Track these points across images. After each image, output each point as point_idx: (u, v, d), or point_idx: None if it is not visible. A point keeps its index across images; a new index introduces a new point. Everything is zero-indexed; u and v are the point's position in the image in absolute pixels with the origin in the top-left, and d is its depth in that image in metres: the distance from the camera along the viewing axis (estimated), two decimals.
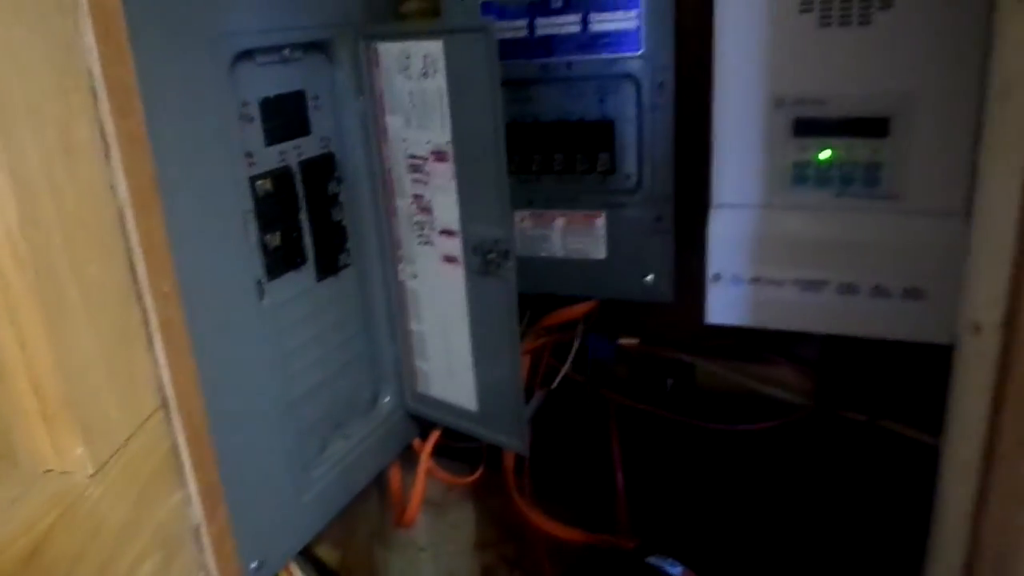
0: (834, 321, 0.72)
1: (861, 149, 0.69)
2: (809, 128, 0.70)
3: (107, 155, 0.40)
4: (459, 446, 0.94)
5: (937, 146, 0.66)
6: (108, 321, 0.40)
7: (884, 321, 0.71)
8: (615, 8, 0.75)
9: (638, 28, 0.75)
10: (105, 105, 0.39)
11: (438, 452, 0.91)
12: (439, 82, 0.71)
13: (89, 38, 0.39)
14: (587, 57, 0.77)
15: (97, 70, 0.39)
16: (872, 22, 0.65)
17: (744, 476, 0.87)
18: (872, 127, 0.68)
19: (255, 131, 0.69)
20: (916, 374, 0.79)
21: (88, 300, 0.39)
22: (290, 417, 0.73)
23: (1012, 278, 0.32)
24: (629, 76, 0.76)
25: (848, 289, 0.71)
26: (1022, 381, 0.31)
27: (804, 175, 0.71)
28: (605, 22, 0.76)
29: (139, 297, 0.42)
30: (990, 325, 0.36)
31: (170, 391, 0.44)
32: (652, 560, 0.86)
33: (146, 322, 0.42)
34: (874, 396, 0.81)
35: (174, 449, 0.45)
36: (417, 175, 0.77)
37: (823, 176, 0.70)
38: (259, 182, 0.69)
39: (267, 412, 0.70)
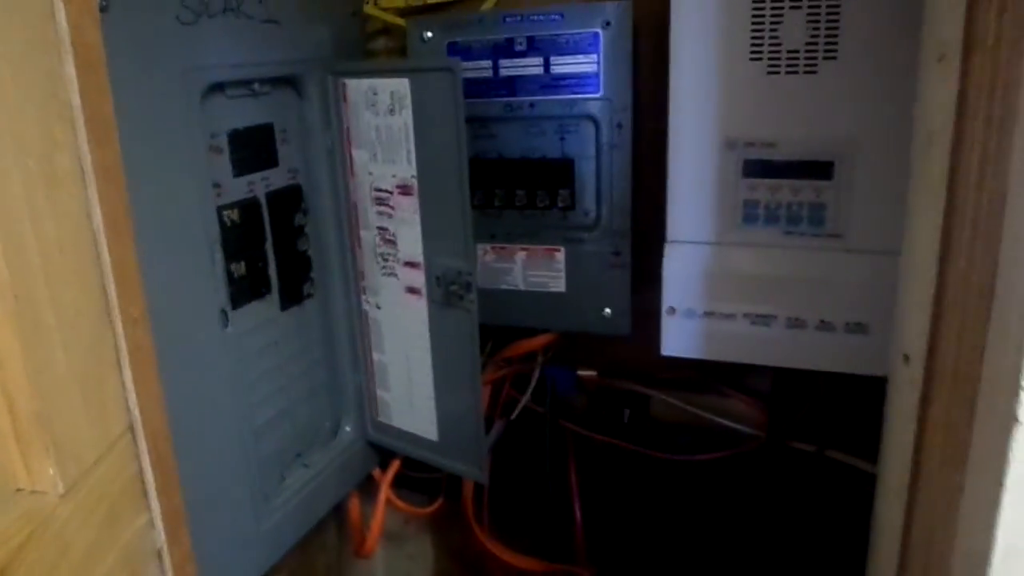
0: (783, 354, 0.75)
1: (807, 190, 0.72)
2: (758, 170, 0.73)
3: (84, 184, 0.41)
4: (418, 476, 0.95)
5: (877, 189, 0.70)
6: (81, 344, 0.41)
7: (830, 354, 0.74)
8: (576, 52, 0.78)
9: (598, 72, 0.78)
10: (84, 135, 0.41)
11: (397, 483, 0.92)
12: (405, 118, 0.74)
13: (70, 70, 0.40)
14: (549, 97, 0.80)
15: (77, 101, 0.41)
16: (818, 71, 0.69)
17: (698, 505, 0.89)
18: (817, 170, 0.71)
19: (223, 162, 0.70)
20: (861, 405, 0.82)
21: (63, 323, 0.39)
22: (252, 445, 0.74)
23: (933, 314, 0.35)
24: (589, 117, 0.80)
25: (796, 323, 0.74)
26: (941, 407, 0.34)
27: (754, 214, 0.74)
28: (566, 65, 0.79)
29: (111, 322, 0.43)
30: (917, 356, 0.39)
31: (137, 414, 0.44)
32: None
33: (116, 346, 0.43)
34: (822, 427, 0.84)
35: (140, 472, 0.45)
36: (382, 208, 0.79)
37: (771, 215, 0.74)
38: (226, 212, 0.70)
39: (229, 440, 0.70)
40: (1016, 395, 0.28)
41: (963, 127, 0.33)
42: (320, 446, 0.85)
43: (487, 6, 0.86)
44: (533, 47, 0.80)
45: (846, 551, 0.83)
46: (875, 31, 0.66)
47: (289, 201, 0.78)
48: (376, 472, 0.92)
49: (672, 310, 0.78)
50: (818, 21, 0.68)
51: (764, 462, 0.87)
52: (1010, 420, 0.28)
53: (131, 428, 0.44)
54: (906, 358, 0.40)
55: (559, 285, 0.85)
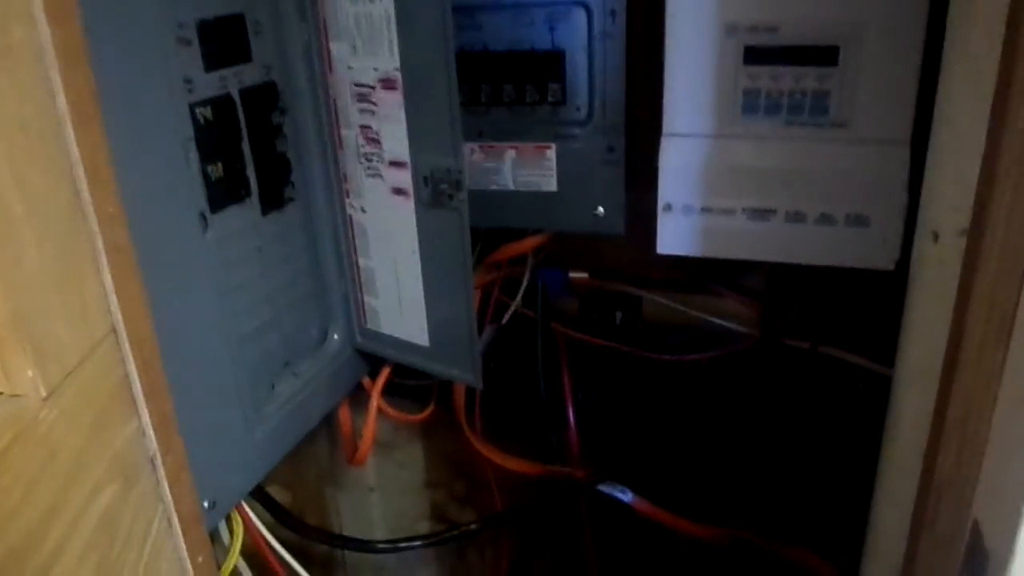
0: (782, 249, 0.74)
1: (810, 78, 0.69)
2: (759, 56, 0.70)
3: (44, 61, 0.37)
4: (409, 384, 0.94)
5: (884, 76, 0.67)
6: (55, 239, 0.38)
7: (829, 248, 0.72)
8: None
9: None
10: (39, 5, 0.37)
11: (387, 391, 0.90)
12: (386, 6, 0.69)
13: None
14: None
15: None
16: None
17: (692, 405, 0.89)
18: (821, 55, 0.68)
19: (193, 55, 0.66)
20: (854, 301, 0.82)
21: (33, 214, 0.36)
22: (239, 354, 0.71)
23: (979, 189, 0.33)
24: (580, 3, 0.75)
25: (795, 217, 0.73)
26: (986, 282, 0.32)
27: (755, 104, 0.71)
28: None
29: (85, 217, 0.40)
30: (949, 232, 0.37)
31: (119, 317, 0.42)
32: (603, 488, 0.88)
33: (93, 244, 0.40)
34: (816, 324, 0.83)
35: (126, 377, 0.43)
36: (364, 104, 0.74)
37: (773, 104, 0.71)
38: (199, 109, 0.66)
39: (215, 348, 0.68)
40: None
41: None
42: (308, 355, 0.83)
43: None
44: None
45: (841, 446, 0.84)
46: None
47: (265, 99, 0.73)
48: (366, 381, 0.90)
49: (669, 206, 0.76)
50: None
51: (758, 360, 0.86)
52: None
53: (114, 331, 0.42)
54: (935, 236, 0.39)
55: (550, 184, 0.82)
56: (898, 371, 0.44)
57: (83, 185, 0.40)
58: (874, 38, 0.66)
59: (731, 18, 0.69)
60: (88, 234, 0.40)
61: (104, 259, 0.40)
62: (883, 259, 0.71)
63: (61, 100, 0.39)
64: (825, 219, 0.72)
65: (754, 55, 0.70)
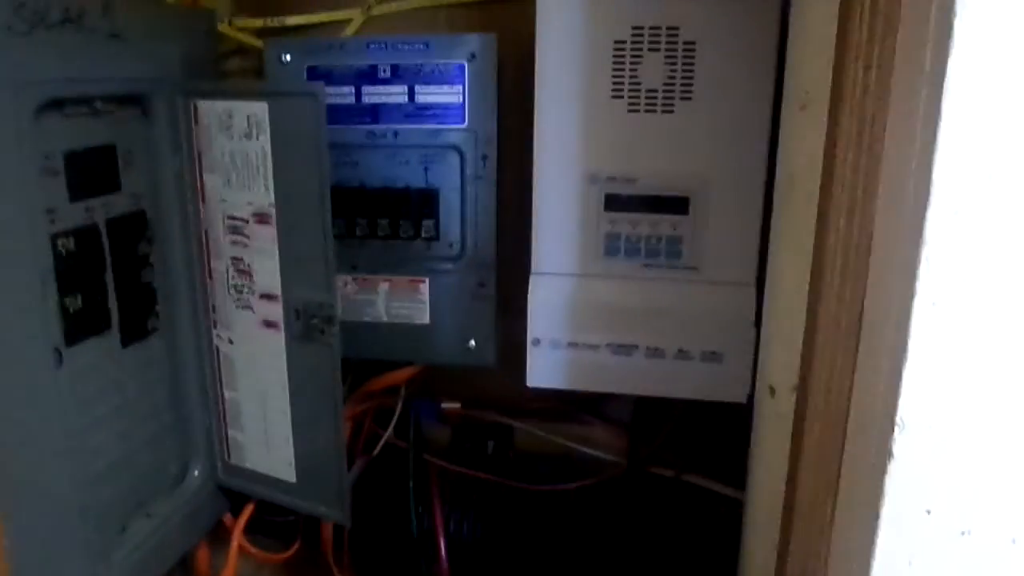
0: (644, 383, 0.77)
1: (665, 224, 0.75)
2: (619, 204, 0.75)
3: None
4: (273, 520, 0.90)
5: (730, 224, 0.73)
6: None
7: (688, 382, 0.76)
8: (441, 82, 0.78)
9: (463, 103, 0.78)
10: None
11: (250, 528, 0.86)
12: (263, 144, 0.70)
13: None
14: (413, 126, 0.79)
15: None
16: (675, 110, 0.71)
17: (563, 534, 0.89)
18: (674, 205, 0.74)
19: (59, 186, 0.64)
20: (716, 431, 0.86)
21: None
22: (88, 497, 0.67)
23: (804, 350, 0.37)
24: (454, 147, 0.79)
25: (655, 353, 0.77)
26: (813, 440, 0.35)
27: (615, 247, 0.76)
28: (431, 95, 0.78)
29: None
30: (784, 388, 0.41)
31: None
32: None
33: None
34: (680, 452, 0.87)
35: None
36: (237, 237, 0.74)
37: (632, 248, 0.76)
38: (61, 240, 0.64)
39: (62, 493, 0.64)
40: (891, 431, 0.29)
41: (831, 172, 0.35)
42: (165, 493, 0.79)
43: (349, 32, 0.84)
44: (397, 75, 0.78)
45: (703, 570, 0.86)
46: (727, 75, 0.70)
47: (132, 228, 0.72)
48: (227, 518, 0.86)
49: (537, 341, 0.78)
50: (675, 64, 0.71)
51: (625, 488, 0.88)
52: (884, 456, 0.30)
53: None
54: (772, 390, 0.42)
55: (423, 317, 0.84)
56: (747, 512, 0.47)
57: None
58: (720, 191, 0.73)
59: (593, 169, 0.74)
60: None
61: None
62: (736, 393, 0.76)
63: None
64: (682, 355, 0.76)
65: (614, 203, 0.75)
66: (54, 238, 0.64)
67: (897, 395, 0.29)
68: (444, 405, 0.91)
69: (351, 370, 0.88)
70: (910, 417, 0.29)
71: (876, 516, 0.30)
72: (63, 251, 0.64)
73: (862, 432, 0.33)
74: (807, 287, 0.38)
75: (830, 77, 0.36)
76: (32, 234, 0.61)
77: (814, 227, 0.38)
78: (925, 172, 0.27)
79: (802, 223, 0.39)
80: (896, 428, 0.29)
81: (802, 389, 0.37)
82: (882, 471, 0.30)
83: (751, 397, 0.75)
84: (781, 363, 0.41)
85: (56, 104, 0.63)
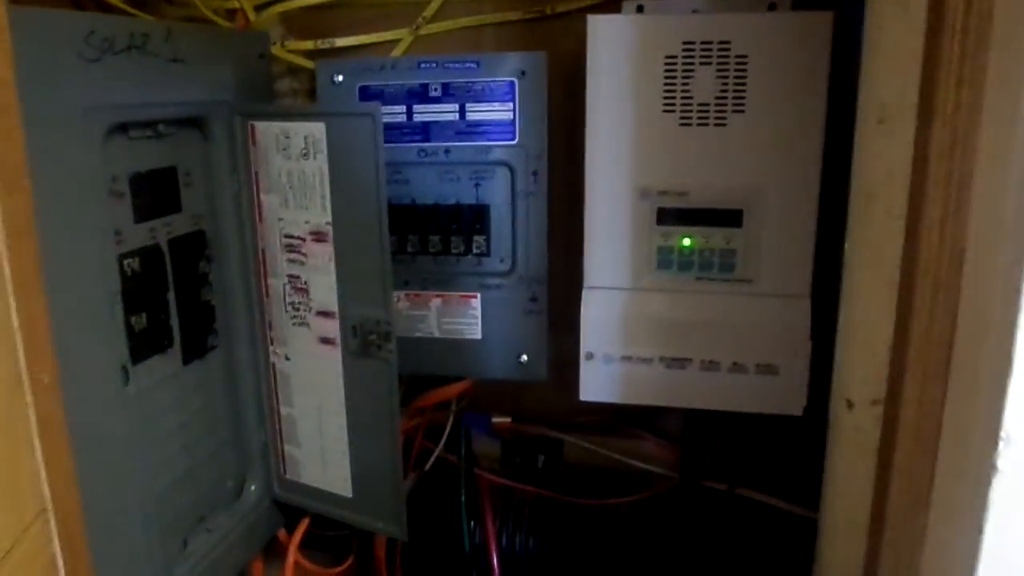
0: (698, 396, 0.77)
1: (718, 237, 0.75)
2: (671, 217, 0.75)
3: None
4: (327, 535, 0.91)
5: (783, 236, 0.73)
6: None
7: (742, 395, 0.76)
8: (491, 100, 0.78)
9: (513, 120, 0.78)
10: None
11: (304, 542, 0.87)
12: (320, 163, 0.71)
13: None
14: (464, 144, 0.80)
15: None
16: (727, 123, 0.72)
17: (616, 549, 0.89)
18: (727, 218, 0.74)
19: (124, 208, 0.66)
20: (768, 443, 0.85)
21: None
22: (153, 512, 0.68)
23: (892, 365, 0.37)
24: (504, 164, 0.80)
25: (710, 366, 0.76)
26: (904, 453, 0.35)
27: (668, 260, 0.76)
28: (482, 112, 0.79)
29: (22, 389, 0.38)
30: (863, 402, 0.41)
31: (49, 496, 0.40)
32: None
33: (27, 419, 0.39)
34: (733, 466, 0.86)
35: (53, 559, 0.41)
36: (293, 255, 0.75)
37: (685, 261, 0.76)
38: (127, 261, 0.66)
39: (129, 508, 0.65)
40: (995, 445, 0.29)
41: (921, 187, 0.35)
42: (224, 508, 0.80)
43: (397, 51, 0.85)
44: (448, 93, 0.79)
45: None
46: (780, 88, 0.70)
47: (193, 248, 0.74)
48: (282, 533, 0.87)
49: (590, 355, 0.78)
50: (727, 77, 0.71)
51: (678, 502, 0.88)
52: (989, 470, 0.30)
53: (44, 510, 0.40)
54: (849, 404, 0.42)
55: (475, 332, 0.84)
56: (823, 525, 0.47)
57: (21, 355, 0.39)
58: (774, 203, 0.73)
59: (644, 183, 0.75)
60: (24, 408, 0.38)
61: (36, 433, 0.39)
62: (792, 405, 0.75)
63: (6, 269, 0.38)
64: (737, 368, 0.76)
65: (666, 216, 0.75)
66: (121, 259, 0.65)
67: (1002, 409, 0.29)
68: (494, 419, 0.92)
69: (403, 385, 0.88)
70: (1016, 431, 0.29)
71: (979, 531, 0.30)
72: (129, 271, 0.66)
73: (959, 446, 0.33)
74: (887, 300, 0.38)
75: (912, 91, 0.36)
76: (101, 255, 0.62)
77: (894, 240, 0.38)
78: None
79: (881, 236, 0.39)
80: (1001, 442, 0.29)
81: (890, 403, 0.37)
82: (986, 485, 0.30)
83: (807, 409, 0.75)
84: (859, 377, 0.41)
85: (122, 128, 0.64)
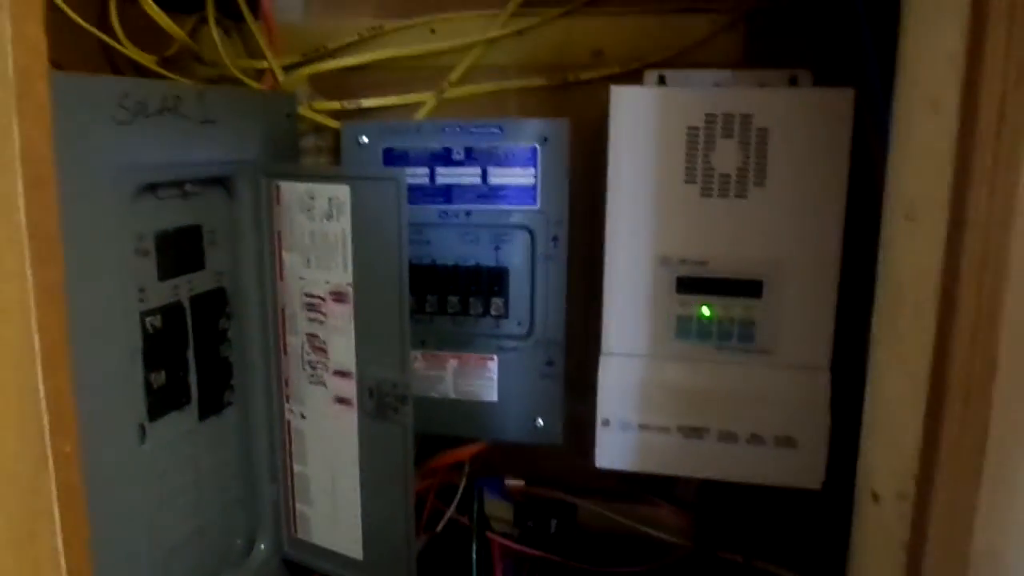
0: (715, 467, 0.76)
1: (737, 307, 0.75)
2: (691, 286, 0.75)
3: (25, 310, 0.37)
4: None
5: (804, 308, 0.73)
6: (18, 496, 0.36)
7: (760, 467, 0.75)
8: (513, 164, 0.79)
9: (535, 185, 0.79)
10: (28, 256, 0.37)
11: None
12: (343, 225, 0.72)
13: (19, 187, 0.37)
14: (485, 207, 0.81)
15: (23, 219, 0.38)
16: (748, 196, 0.72)
17: None
18: (747, 288, 0.74)
19: (149, 266, 0.67)
20: (786, 515, 0.84)
21: (2, 475, 0.35)
22: (162, 570, 0.67)
23: (921, 466, 0.37)
24: (525, 227, 0.80)
25: (727, 436, 0.76)
26: (934, 556, 0.35)
27: (687, 328, 0.76)
28: (504, 176, 0.80)
29: (46, 463, 0.38)
30: (889, 495, 0.40)
31: (65, 566, 0.39)
32: None
33: (48, 492, 0.39)
34: (748, 537, 0.85)
35: None
36: (313, 314, 0.76)
37: (704, 330, 0.76)
38: (149, 319, 0.66)
39: (139, 566, 0.64)
40: None
41: (953, 293, 0.35)
42: (233, 566, 0.79)
43: (421, 114, 0.87)
44: (471, 157, 0.80)
45: None
46: (800, 161, 0.71)
47: (214, 305, 0.74)
48: None
49: (607, 422, 0.78)
50: (748, 150, 0.72)
51: (692, 572, 0.86)
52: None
53: None
54: (875, 496, 0.41)
55: (491, 394, 0.84)
56: None
57: (46, 428, 0.39)
58: (794, 274, 0.73)
59: (664, 252, 0.75)
60: (47, 481, 0.38)
61: (56, 508, 0.39)
62: (810, 479, 0.74)
63: (36, 344, 0.38)
64: (755, 439, 0.75)
65: (685, 285, 0.75)
66: (143, 316, 0.66)
67: None
68: (508, 482, 0.91)
69: (416, 444, 0.88)
70: None
71: None
72: (151, 329, 0.66)
73: (991, 554, 0.32)
74: (915, 399, 0.38)
75: (941, 192, 0.36)
76: (125, 313, 0.63)
77: (921, 336, 0.38)
78: None
79: (909, 332, 0.39)
80: None
81: (919, 501, 0.36)
82: None
83: (825, 483, 0.74)
84: (886, 470, 0.41)
85: (150, 187, 0.65)
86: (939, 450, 0.35)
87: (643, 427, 0.77)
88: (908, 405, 0.39)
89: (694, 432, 0.76)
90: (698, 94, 0.73)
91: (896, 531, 0.39)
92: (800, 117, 0.70)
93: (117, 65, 0.83)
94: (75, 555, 0.41)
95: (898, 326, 0.39)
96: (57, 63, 0.45)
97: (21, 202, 0.37)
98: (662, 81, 0.78)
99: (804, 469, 0.74)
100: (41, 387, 0.38)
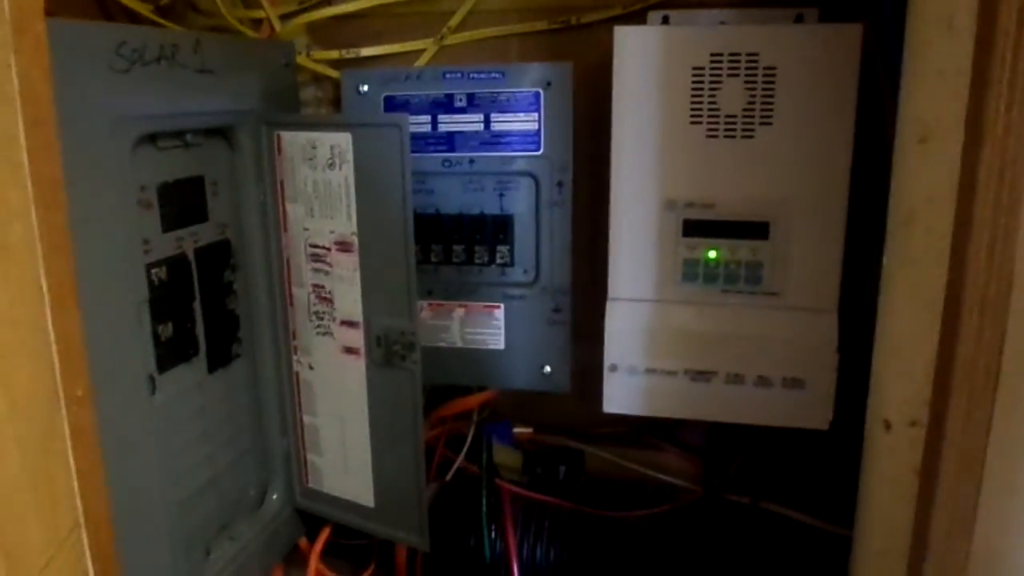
0: (723, 409, 0.77)
1: (744, 250, 0.74)
2: (697, 229, 0.75)
3: (33, 253, 0.37)
4: (348, 543, 0.91)
5: (811, 249, 0.73)
6: (34, 435, 0.36)
7: (768, 409, 0.76)
8: (516, 110, 0.78)
9: (538, 130, 0.78)
10: (32, 198, 0.37)
11: (324, 551, 0.87)
12: (346, 173, 0.71)
13: (20, 127, 0.37)
14: (489, 154, 0.80)
15: (25, 160, 0.37)
16: (755, 135, 0.71)
17: (638, 562, 0.88)
18: (754, 230, 0.74)
19: (153, 217, 0.66)
20: (793, 456, 0.85)
21: (16, 412, 0.35)
22: (177, 521, 0.68)
23: (935, 389, 0.36)
24: (529, 174, 0.80)
25: (735, 379, 0.76)
26: (948, 479, 0.35)
27: (693, 272, 0.76)
28: (507, 123, 0.79)
29: (59, 404, 0.38)
30: (901, 423, 0.40)
31: (82, 509, 0.40)
32: None
33: (62, 433, 0.39)
34: (756, 479, 0.85)
35: (86, 573, 0.41)
36: (318, 264, 0.76)
37: (710, 273, 0.76)
38: (155, 270, 0.66)
39: (154, 519, 0.65)
40: None
41: (969, 210, 0.34)
42: (245, 516, 0.80)
43: (421, 61, 0.86)
44: (473, 104, 0.79)
45: None
46: (807, 99, 0.70)
47: (218, 257, 0.74)
48: (303, 541, 0.87)
49: (614, 367, 0.78)
50: (755, 89, 0.71)
51: (700, 516, 0.87)
52: None
53: (78, 524, 0.40)
54: (887, 424, 0.42)
55: (498, 342, 0.84)
56: (858, 550, 0.46)
57: (57, 370, 0.39)
58: (801, 216, 0.72)
59: (670, 195, 0.74)
60: (60, 423, 0.39)
61: (70, 447, 0.39)
62: (818, 419, 0.75)
63: (44, 286, 0.38)
64: (763, 381, 0.75)
65: (692, 228, 0.75)
66: (149, 268, 0.65)
67: None
68: (516, 430, 0.91)
69: (425, 394, 0.88)
70: None
71: None
72: (156, 281, 0.66)
73: (1005, 473, 0.32)
74: (928, 322, 0.38)
75: (957, 112, 0.35)
76: (131, 265, 0.63)
77: (935, 261, 0.38)
78: None
79: (922, 257, 0.38)
80: None
81: (934, 427, 0.36)
82: None
83: (833, 424, 0.74)
84: (898, 398, 0.41)
85: (150, 138, 0.65)
86: (953, 374, 0.35)
87: (650, 371, 0.77)
88: (921, 331, 0.38)
89: (701, 375, 0.76)
90: (703, 33, 0.71)
91: (909, 458, 0.39)
92: (807, 54, 0.69)
93: (111, 14, 0.82)
94: (91, 496, 0.41)
95: (911, 252, 0.39)
96: (50, 11, 0.44)
97: (23, 140, 0.36)
98: (666, 21, 0.77)
99: (812, 410, 0.74)
100: (51, 328, 0.38)
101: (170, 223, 0.68)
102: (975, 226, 0.34)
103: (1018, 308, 0.32)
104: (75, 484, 0.40)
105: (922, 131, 0.37)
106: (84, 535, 0.41)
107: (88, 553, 0.41)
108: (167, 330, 0.68)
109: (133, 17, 0.81)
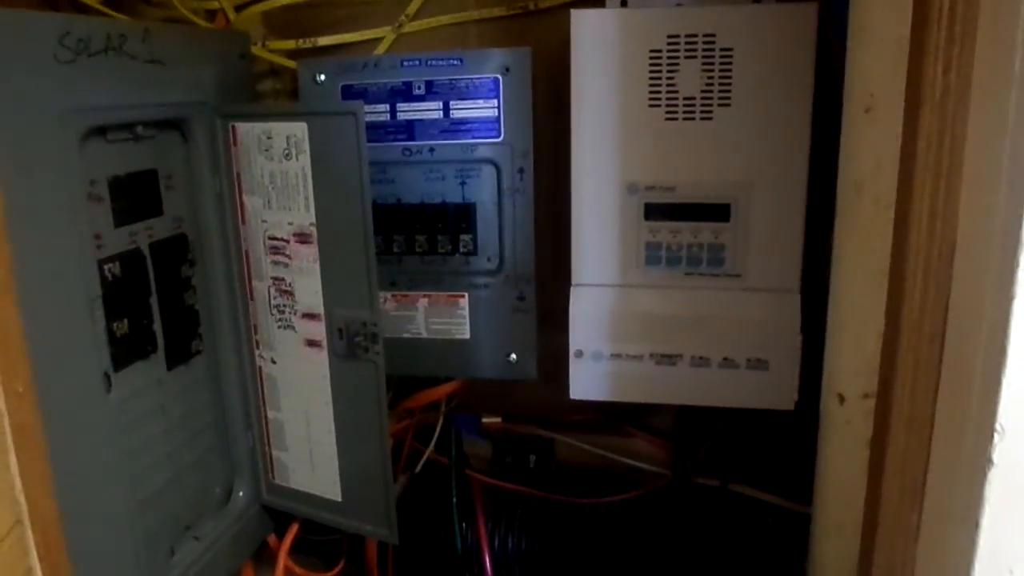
0: (689, 392, 0.77)
1: (706, 232, 0.74)
2: (659, 212, 0.75)
3: None
4: (317, 539, 0.90)
5: (773, 230, 0.73)
6: None
7: (733, 391, 0.76)
8: (476, 97, 0.78)
9: (498, 117, 0.78)
10: None
11: (294, 547, 0.86)
12: (303, 163, 0.70)
13: None
14: (449, 142, 0.79)
15: None
16: (713, 118, 0.71)
17: (609, 548, 0.88)
18: (715, 212, 0.74)
19: (104, 212, 0.65)
20: (760, 438, 0.85)
21: None
22: (138, 521, 0.67)
23: (883, 358, 0.36)
24: (490, 161, 0.79)
25: (700, 362, 0.76)
26: (897, 449, 0.35)
27: (656, 256, 0.76)
28: (466, 110, 0.78)
29: None
30: (854, 395, 0.40)
31: (25, 506, 0.39)
32: None
33: (2, 428, 0.38)
34: (725, 462, 0.86)
35: (30, 569, 0.40)
36: (277, 257, 0.75)
37: (673, 257, 0.75)
38: (107, 266, 0.65)
39: (113, 518, 0.64)
40: (991, 438, 0.29)
41: (910, 176, 0.34)
42: (211, 515, 0.79)
43: (380, 50, 0.85)
44: (432, 91, 0.78)
45: None
46: (766, 80, 0.69)
47: (175, 252, 0.73)
48: (272, 538, 0.86)
49: (580, 353, 0.78)
50: (712, 70, 0.70)
51: (671, 500, 0.87)
52: (984, 463, 0.29)
53: (19, 522, 0.39)
54: (840, 398, 0.42)
55: (463, 332, 0.83)
56: (816, 521, 0.47)
57: None
58: (762, 197, 0.72)
59: (631, 178, 0.74)
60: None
61: (11, 442, 0.38)
62: (783, 400, 0.75)
63: None
64: (728, 363, 0.75)
65: (654, 212, 0.75)
66: (101, 264, 0.64)
67: (996, 401, 0.28)
68: (484, 419, 0.91)
69: (392, 387, 0.87)
70: (1010, 423, 0.29)
71: (976, 526, 0.30)
72: (109, 276, 0.65)
73: (953, 439, 0.32)
74: (877, 292, 0.38)
75: (899, 79, 0.35)
76: (81, 260, 0.61)
77: (883, 231, 0.38)
78: (1019, 172, 0.27)
79: (870, 227, 0.38)
80: (996, 435, 0.29)
81: (883, 396, 0.36)
82: (982, 479, 0.29)
83: (798, 404, 0.74)
84: (850, 370, 0.41)
85: (99, 131, 0.63)
86: (899, 343, 0.34)
87: (616, 356, 0.77)
88: (871, 303, 0.38)
89: (667, 359, 0.76)
90: (660, 14, 0.71)
91: (861, 429, 0.39)
92: (764, 35, 0.69)
93: (57, 5, 0.80)
94: (36, 494, 0.40)
95: (859, 222, 0.39)
96: None
97: None
98: (624, 4, 0.77)
99: (777, 391, 0.75)
100: None
101: (123, 217, 0.67)
102: (916, 191, 0.34)
103: (961, 272, 0.32)
104: (17, 481, 0.39)
105: (867, 101, 0.37)
106: (29, 532, 0.40)
107: (34, 551, 0.40)
108: (123, 327, 0.67)
109: (81, 9, 0.79)
